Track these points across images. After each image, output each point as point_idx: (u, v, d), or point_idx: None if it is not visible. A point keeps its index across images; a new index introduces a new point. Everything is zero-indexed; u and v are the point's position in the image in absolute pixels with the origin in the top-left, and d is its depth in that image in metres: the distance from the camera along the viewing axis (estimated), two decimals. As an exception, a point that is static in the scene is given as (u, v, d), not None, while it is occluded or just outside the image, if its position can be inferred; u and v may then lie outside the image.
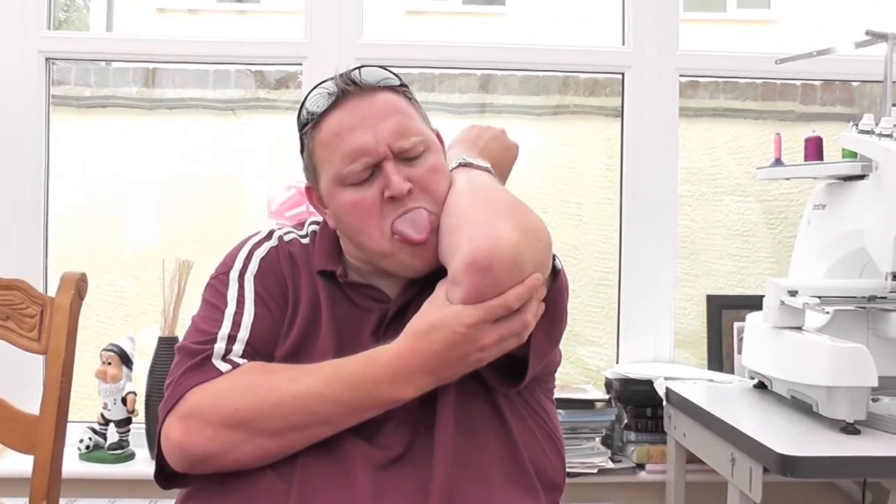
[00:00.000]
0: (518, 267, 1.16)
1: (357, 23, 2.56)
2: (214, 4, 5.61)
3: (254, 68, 2.83)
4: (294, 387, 1.20)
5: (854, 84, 2.94)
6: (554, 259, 1.29)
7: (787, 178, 2.20)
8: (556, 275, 1.30)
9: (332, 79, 1.32)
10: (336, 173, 1.29)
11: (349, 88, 1.29)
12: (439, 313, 1.19)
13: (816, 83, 2.92)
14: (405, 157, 1.28)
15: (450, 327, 1.17)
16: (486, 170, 1.36)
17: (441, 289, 1.22)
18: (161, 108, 2.83)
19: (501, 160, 1.42)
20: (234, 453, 1.20)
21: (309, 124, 1.32)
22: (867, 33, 2.12)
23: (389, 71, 1.34)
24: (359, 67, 1.32)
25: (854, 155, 1.93)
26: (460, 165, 1.35)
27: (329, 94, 1.30)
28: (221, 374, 1.24)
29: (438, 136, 1.39)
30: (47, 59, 2.55)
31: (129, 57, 2.71)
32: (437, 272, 1.28)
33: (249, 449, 1.20)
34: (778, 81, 2.89)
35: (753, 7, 6.36)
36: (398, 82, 1.34)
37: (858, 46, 2.16)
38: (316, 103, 1.31)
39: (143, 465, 2.31)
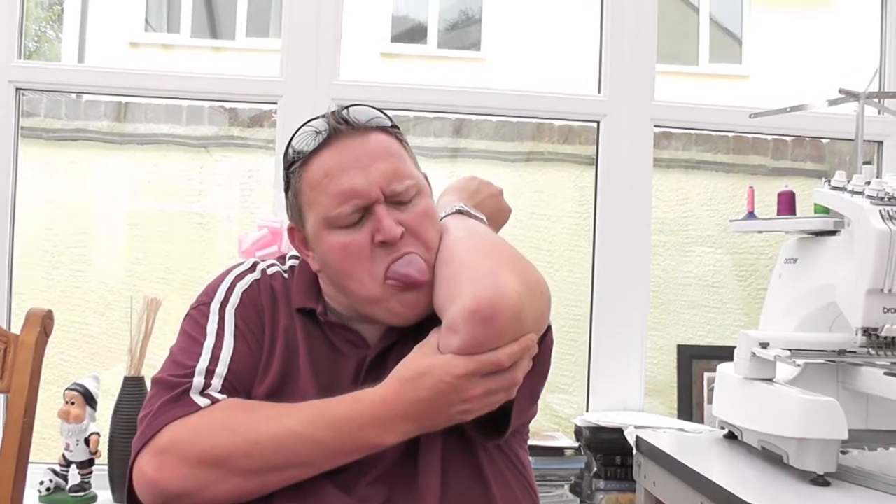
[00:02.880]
0: (520, 319, 1.15)
1: (333, 63, 2.56)
2: (188, 40, 5.62)
3: (227, 105, 2.82)
4: (275, 426, 1.17)
5: (824, 141, 2.99)
6: None
7: (760, 232, 2.21)
8: (546, 331, 1.29)
9: (321, 117, 1.29)
10: (325, 215, 1.26)
11: (341, 128, 1.27)
12: (428, 360, 1.17)
13: (788, 139, 2.96)
14: (397, 201, 1.26)
15: (437, 376, 1.15)
16: (482, 221, 1.35)
17: (433, 337, 1.20)
18: (132, 143, 2.81)
19: (494, 220, 1.41)
20: (208, 492, 1.17)
21: (297, 163, 1.29)
22: (840, 91, 2.16)
23: (381, 111, 1.32)
24: (349, 106, 1.30)
25: (826, 210, 1.95)
26: (457, 212, 1.34)
27: (317, 132, 1.27)
28: (200, 409, 1.21)
29: (426, 178, 1.37)
30: (17, 89, 2.52)
31: (102, 90, 2.68)
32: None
33: (225, 488, 1.17)
34: (750, 136, 2.93)
35: (725, 62, 6.48)
36: (389, 123, 1.32)
37: (831, 104, 2.19)
38: (304, 142, 1.28)
39: (104, 507, 2.26)
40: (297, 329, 1.33)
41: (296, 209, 1.32)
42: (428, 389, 1.15)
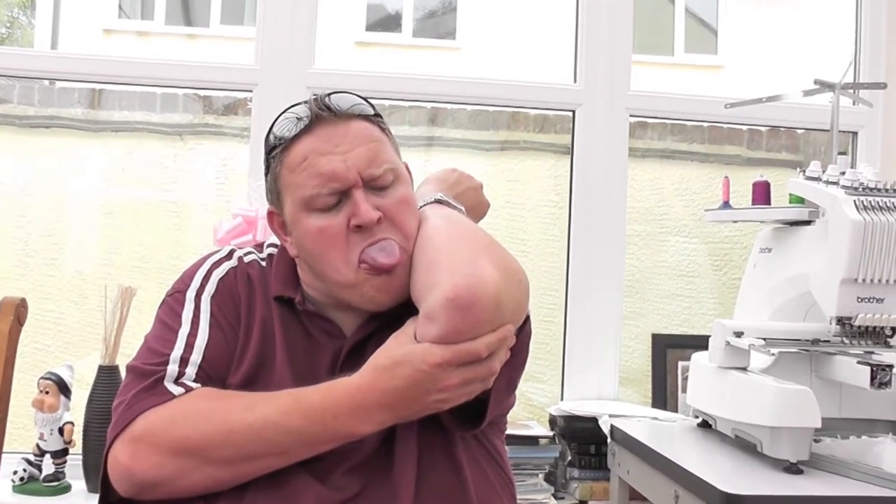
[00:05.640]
0: (498, 308, 1.15)
1: (308, 51, 2.55)
2: (163, 27, 5.58)
3: (202, 93, 2.81)
4: (249, 415, 1.17)
5: (799, 131, 3.01)
6: None
7: (735, 221, 2.23)
8: (524, 320, 1.29)
9: (303, 103, 1.29)
10: (302, 196, 1.25)
11: (323, 114, 1.26)
12: (404, 349, 1.16)
13: (763, 129, 2.98)
14: (375, 186, 1.26)
15: (414, 364, 1.14)
16: (461, 211, 1.35)
17: (410, 326, 1.19)
18: (106, 131, 2.79)
19: (472, 213, 1.41)
20: (183, 481, 1.17)
21: (277, 148, 1.29)
22: (815, 82, 2.17)
23: (363, 99, 1.32)
24: (332, 93, 1.29)
25: (801, 200, 1.96)
26: (436, 202, 1.34)
27: (299, 118, 1.27)
28: (174, 397, 1.21)
29: (407, 168, 1.37)
30: (-10, 75, 2.50)
31: (75, 77, 2.66)
32: (395, 309, 1.27)
33: (199, 477, 1.17)
34: (725, 126, 2.94)
35: (700, 52, 6.51)
36: (372, 111, 1.32)
37: (807, 95, 2.21)
38: (286, 127, 1.28)
39: (79, 497, 2.24)
40: (274, 318, 1.32)
41: (275, 192, 1.32)
42: (404, 378, 1.15)
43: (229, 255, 1.39)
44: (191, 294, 1.33)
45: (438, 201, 1.34)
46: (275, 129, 1.30)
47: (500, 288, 1.15)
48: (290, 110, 1.30)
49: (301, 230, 1.27)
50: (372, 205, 1.24)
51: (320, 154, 1.25)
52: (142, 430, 1.18)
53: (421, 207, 1.33)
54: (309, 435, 1.17)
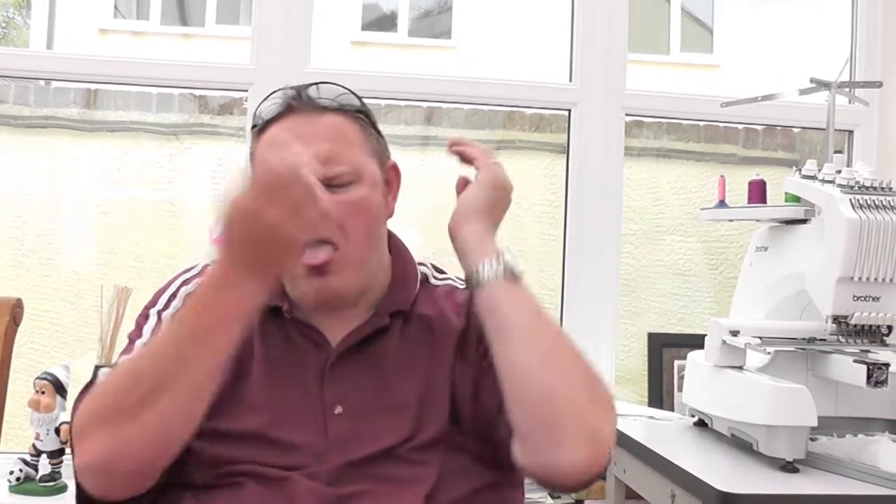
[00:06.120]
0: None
1: (304, 50, 2.55)
2: (158, 27, 5.58)
3: (198, 93, 2.80)
4: (144, 351, 1.17)
5: (795, 130, 3.01)
6: None
7: (731, 220, 2.23)
8: None
9: (291, 88, 1.29)
10: None
11: (294, 104, 1.27)
12: None
13: (759, 128, 2.98)
14: (330, 185, 1.22)
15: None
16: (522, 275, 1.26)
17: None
18: (102, 131, 2.79)
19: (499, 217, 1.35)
20: (122, 451, 1.11)
21: (255, 128, 1.31)
22: (812, 81, 2.17)
23: (353, 94, 1.30)
24: (318, 83, 1.29)
25: (797, 199, 1.96)
26: (504, 275, 1.22)
27: (277, 103, 1.28)
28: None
29: (395, 168, 1.35)
30: (-15, 75, 2.50)
31: (71, 76, 2.66)
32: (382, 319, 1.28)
33: (131, 436, 1.10)
34: (721, 125, 2.95)
35: (696, 51, 6.51)
36: (354, 107, 1.30)
37: (803, 93, 2.20)
38: (266, 109, 1.29)
39: (75, 497, 2.24)
40: (254, 330, 1.28)
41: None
42: (238, 227, 1.12)
43: (201, 273, 1.37)
44: (155, 311, 1.33)
45: (506, 271, 1.23)
46: (261, 107, 1.31)
47: (613, 437, 1.18)
48: (277, 92, 1.30)
49: None
50: None
51: (279, 146, 1.22)
52: (77, 424, 1.16)
53: (484, 277, 1.23)
54: (189, 329, 1.12)
